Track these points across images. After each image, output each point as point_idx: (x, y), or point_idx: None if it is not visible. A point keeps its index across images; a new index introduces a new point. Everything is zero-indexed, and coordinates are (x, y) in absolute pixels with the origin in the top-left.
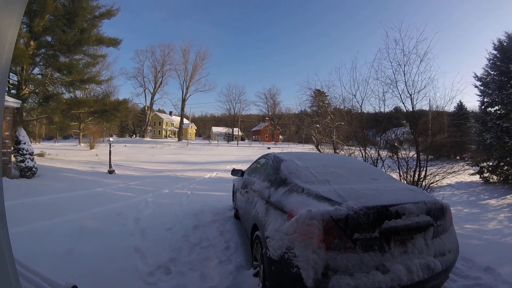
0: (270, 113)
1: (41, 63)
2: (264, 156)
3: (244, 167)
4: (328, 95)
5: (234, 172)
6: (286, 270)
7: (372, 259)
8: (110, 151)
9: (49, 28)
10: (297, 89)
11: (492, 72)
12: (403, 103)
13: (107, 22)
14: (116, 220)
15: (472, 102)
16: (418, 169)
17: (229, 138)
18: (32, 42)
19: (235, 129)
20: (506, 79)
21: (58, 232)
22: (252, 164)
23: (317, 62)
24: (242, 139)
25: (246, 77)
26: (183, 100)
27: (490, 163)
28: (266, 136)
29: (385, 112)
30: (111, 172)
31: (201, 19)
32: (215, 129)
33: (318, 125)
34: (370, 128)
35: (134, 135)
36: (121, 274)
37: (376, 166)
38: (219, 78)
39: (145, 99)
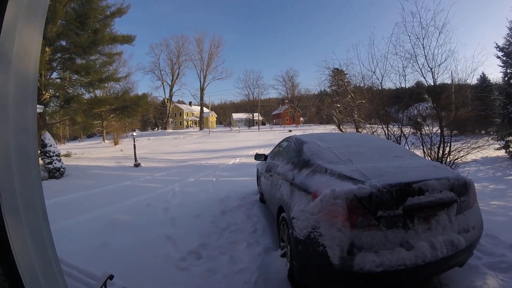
0: (289, 96)
1: (58, 67)
2: (286, 139)
3: (266, 151)
4: (347, 73)
5: (257, 156)
6: (312, 249)
7: (396, 236)
8: (134, 145)
9: (63, 33)
10: (315, 70)
11: None
12: (424, 78)
13: (119, 20)
14: (146, 211)
15: (495, 73)
16: (442, 145)
17: (250, 123)
18: (47, 48)
19: (255, 114)
20: None
21: (90, 227)
22: (275, 147)
23: (333, 42)
24: (263, 124)
25: (262, 62)
26: (202, 89)
27: None
28: (287, 119)
29: (406, 87)
30: (137, 165)
31: (211, 8)
32: (235, 115)
33: (338, 105)
34: (391, 105)
35: (156, 128)
36: (154, 261)
37: (399, 143)
38: (235, 65)
39: (164, 92)
